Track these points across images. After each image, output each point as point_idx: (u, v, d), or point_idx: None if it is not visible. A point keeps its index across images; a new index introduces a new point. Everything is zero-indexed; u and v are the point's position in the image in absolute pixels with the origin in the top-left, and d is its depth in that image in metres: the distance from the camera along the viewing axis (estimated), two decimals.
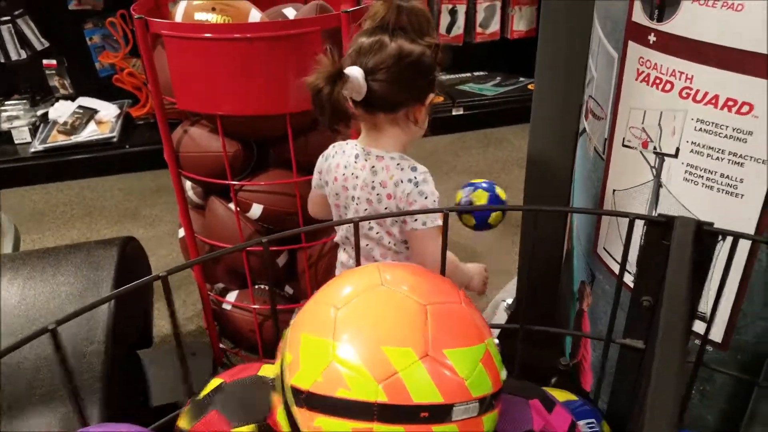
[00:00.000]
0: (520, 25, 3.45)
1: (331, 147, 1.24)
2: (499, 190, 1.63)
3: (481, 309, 2.06)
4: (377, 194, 1.15)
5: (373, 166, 1.15)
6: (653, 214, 0.99)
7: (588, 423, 0.73)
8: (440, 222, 1.11)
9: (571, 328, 1.37)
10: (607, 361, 0.82)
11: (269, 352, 1.83)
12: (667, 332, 0.51)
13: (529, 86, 3.46)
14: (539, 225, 1.53)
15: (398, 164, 1.14)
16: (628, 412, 0.81)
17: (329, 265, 1.69)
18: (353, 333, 0.52)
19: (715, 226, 0.75)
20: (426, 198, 1.14)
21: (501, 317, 1.95)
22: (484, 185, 1.69)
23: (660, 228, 0.69)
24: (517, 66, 3.64)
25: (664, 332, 0.51)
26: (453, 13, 3.33)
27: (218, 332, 1.83)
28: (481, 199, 1.66)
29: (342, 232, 1.25)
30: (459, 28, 3.37)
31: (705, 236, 0.66)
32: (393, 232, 1.18)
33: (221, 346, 1.85)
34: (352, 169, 1.18)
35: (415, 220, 1.13)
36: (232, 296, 1.77)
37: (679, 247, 0.62)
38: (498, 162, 3.08)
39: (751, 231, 0.86)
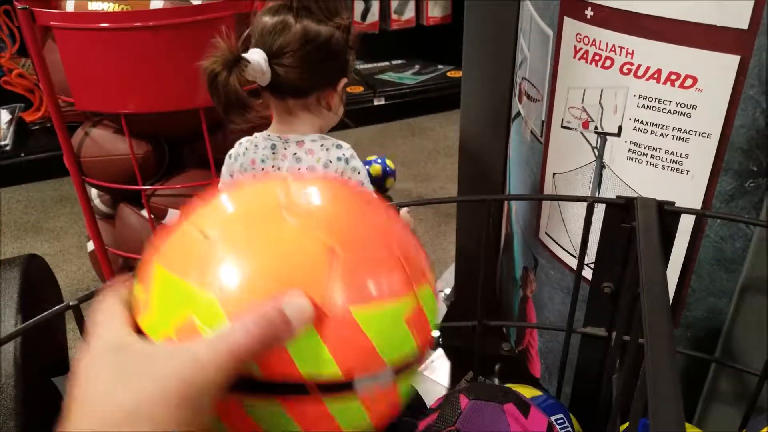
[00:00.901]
0: (435, 11, 3.43)
1: (237, 144, 1.14)
2: (388, 161, 2.29)
3: None
4: None
5: (295, 153, 1.08)
6: (597, 196, 0.97)
7: (557, 419, 0.69)
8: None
9: (516, 316, 1.34)
10: (568, 351, 0.78)
11: None
12: (654, 320, 0.47)
13: (449, 73, 3.45)
14: (475, 214, 1.49)
15: (321, 145, 1.08)
16: (594, 400, 0.78)
17: None
18: (224, 278, 0.37)
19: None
20: (359, 173, 1.09)
21: (440, 308, 1.91)
22: (378, 160, 2.39)
23: (619, 210, 0.66)
24: (434, 53, 3.62)
25: (651, 320, 0.47)
26: None
27: None
28: (377, 170, 2.36)
29: None
30: (374, 15, 3.31)
31: (666, 216, 0.63)
32: None
33: None
34: (271, 161, 1.09)
35: None
36: None
37: (646, 231, 0.58)
38: (424, 151, 3.05)
39: (698, 206, 0.84)
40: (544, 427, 0.59)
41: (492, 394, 0.61)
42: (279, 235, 0.39)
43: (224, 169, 1.15)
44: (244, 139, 1.13)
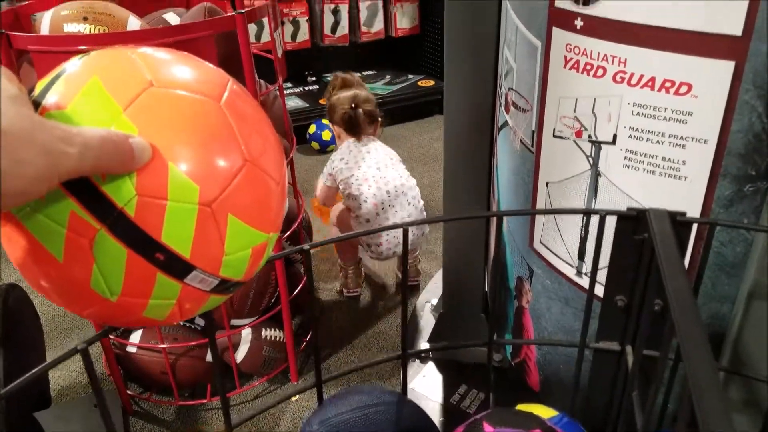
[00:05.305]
0: (403, 22, 3.44)
1: (338, 147, 2.00)
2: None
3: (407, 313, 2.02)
4: None
5: (360, 151, 1.93)
6: (593, 206, 0.97)
7: None
8: (328, 182, 1.93)
9: (511, 326, 1.34)
10: (581, 368, 0.77)
11: (186, 394, 1.67)
12: (691, 336, 0.47)
13: (419, 83, 3.46)
14: (463, 226, 1.49)
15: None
16: (606, 414, 0.77)
17: (245, 289, 1.55)
18: (152, 128, 0.39)
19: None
20: (326, 167, 1.95)
21: (428, 319, 1.90)
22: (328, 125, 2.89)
23: (630, 222, 0.65)
24: (404, 63, 3.63)
25: (687, 337, 0.46)
26: (336, 12, 3.25)
27: (123, 377, 1.64)
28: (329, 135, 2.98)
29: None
30: (344, 28, 3.30)
31: (679, 227, 0.62)
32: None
33: (129, 392, 1.66)
34: (347, 156, 1.95)
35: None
36: (135, 337, 1.59)
37: (664, 243, 0.58)
38: None
39: (698, 212, 0.85)
40: None
41: (517, 421, 0.59)
42: (202, 111, 0.42)
43: (328, 165, 1.94)
44: (343, 144, 1.96)
